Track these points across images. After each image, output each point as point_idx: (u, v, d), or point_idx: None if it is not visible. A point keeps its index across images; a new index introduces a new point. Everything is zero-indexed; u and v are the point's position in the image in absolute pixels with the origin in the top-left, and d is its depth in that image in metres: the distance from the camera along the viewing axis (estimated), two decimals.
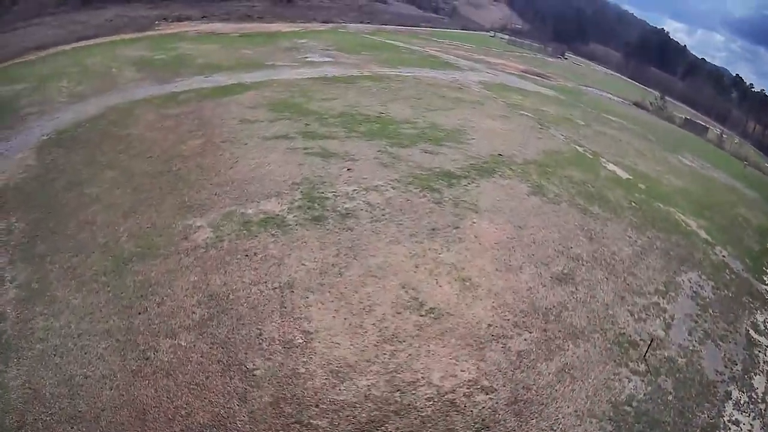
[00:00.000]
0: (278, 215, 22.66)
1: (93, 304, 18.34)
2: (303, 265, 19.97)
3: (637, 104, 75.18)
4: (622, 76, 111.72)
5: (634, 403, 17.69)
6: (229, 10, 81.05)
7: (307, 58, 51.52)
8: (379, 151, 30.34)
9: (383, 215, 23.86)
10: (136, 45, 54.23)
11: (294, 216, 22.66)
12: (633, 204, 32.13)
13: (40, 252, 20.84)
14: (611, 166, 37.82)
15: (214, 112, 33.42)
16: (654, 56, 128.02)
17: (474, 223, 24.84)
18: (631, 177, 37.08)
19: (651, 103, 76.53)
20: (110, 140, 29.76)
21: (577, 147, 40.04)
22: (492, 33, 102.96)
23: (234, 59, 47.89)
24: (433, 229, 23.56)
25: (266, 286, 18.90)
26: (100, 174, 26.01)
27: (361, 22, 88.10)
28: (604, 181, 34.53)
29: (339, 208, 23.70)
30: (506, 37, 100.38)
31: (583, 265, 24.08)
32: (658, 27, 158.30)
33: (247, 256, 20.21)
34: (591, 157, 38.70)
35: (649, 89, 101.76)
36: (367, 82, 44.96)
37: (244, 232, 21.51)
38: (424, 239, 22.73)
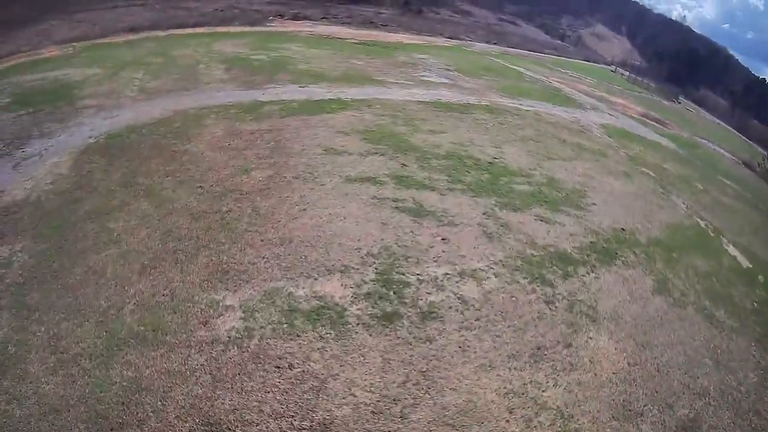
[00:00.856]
0: (337, 305, 17.54)
1: (64, 398, 14.25)
2: (352, 395, 14.70)
3: (745, 164, 67.16)
4: (728, 126, 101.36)
5: None
6: (353, 14, 78.33)
7: (422, 76, 46.70)
8: (485, 213, 24.95)
9: (477, 320, 18.36)
10: (238, 40, 51.83)
11: (358, 309, 17.45)
12: (755, 305, 25.82)
13: (32, 303, 17.25)
14: (732, 249, 31.43)
15: (296, 135, 29.14)
16: (756, 107, 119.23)
17: (590, 339, 19.14)
18: (751, 265, 30.38)
19: (759, 164, 68.65)
20: (163, 156, 26.04)
21: (699, 220, 33.85)
22: (613, 68, 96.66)
23: (340, 69, 43.78)
24: (539, 348, 17.97)
25: (292, 423, 13.73)
26: (134, 203, 22.14)
27: (488, 42, 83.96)
28: (727, 272, 28.19)
29: (421, 303, 18.32)
30: (626, 73, 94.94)
31: (710, 404, 18.24)
32: (760, 77, 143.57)
33: (278, 368, 15.17)
34: (712, 234, 32.50)
35: (751, 143, 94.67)
36: (483, 114, 39.61)
37: (285, 326, 16.52)
38: (527, 365, 17.14)
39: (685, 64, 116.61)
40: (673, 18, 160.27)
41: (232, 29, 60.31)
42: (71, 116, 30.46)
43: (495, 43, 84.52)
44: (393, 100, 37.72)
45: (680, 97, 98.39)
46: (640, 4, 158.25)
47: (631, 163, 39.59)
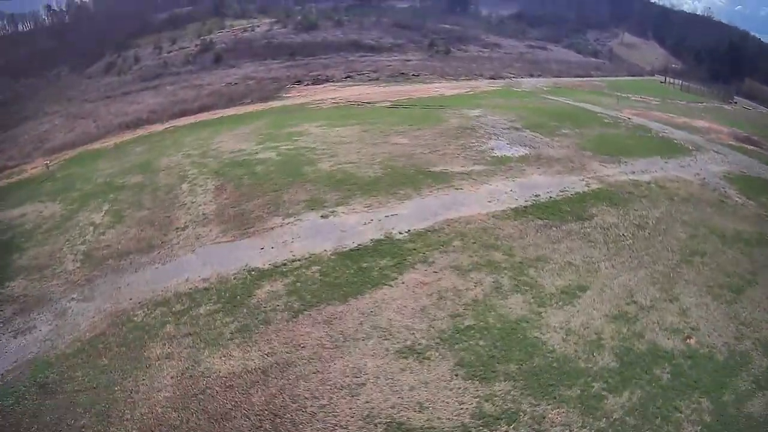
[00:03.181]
0: None
1: None
2: None
3: None
4: None
5: None
6: (378, 67, 61.52)
7: (492, 150, 29.51)
8: None
9: None
10: (245, 127, 36.67)
11: None
12: None
13: None
14: None
15: (319, 382, 12.76)
16: None
17: None
18: None
19: None
20: None
21: None
22: (662, 78, 77.67)
23: (379, 160, 27.15)
24: None
25: None
26: None
27: (532, 75, 65.99)
28: None
29: None
30: (675, 81, 74.45)
31: None
32: None
33: None
34: None
35: None
36: (606, 211, 22.55)
37: None
38: None
39: (723, 58, 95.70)
40: (685, 10, 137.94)
41: (241, 110, 44.38)
42: None
43: (539, 75, 66.60)
44: (473, 217, 20.64)
45: (735, 97, 78.48)
46: (659, 4, 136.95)
47: None
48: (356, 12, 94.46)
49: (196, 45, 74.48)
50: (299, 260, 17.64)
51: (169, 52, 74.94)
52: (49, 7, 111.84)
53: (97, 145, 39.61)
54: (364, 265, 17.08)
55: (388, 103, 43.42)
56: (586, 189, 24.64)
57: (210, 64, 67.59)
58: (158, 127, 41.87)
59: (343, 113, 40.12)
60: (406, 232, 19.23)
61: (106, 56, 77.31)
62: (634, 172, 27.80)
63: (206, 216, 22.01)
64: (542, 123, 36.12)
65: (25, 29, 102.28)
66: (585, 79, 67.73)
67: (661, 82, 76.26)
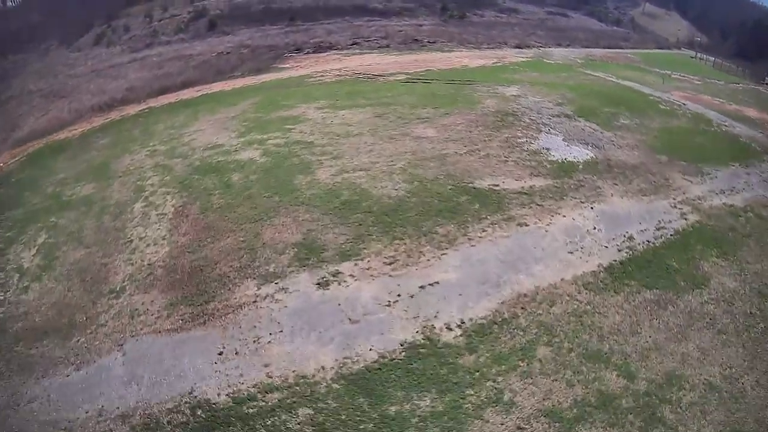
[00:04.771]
0: None
1: None
2: None
3: None
4: None
5: None
6: (388, 33, 52.33)
7: (549, 152, 21.65)
8: None
9: None
10: (229, 110, 28.84)
11: None
12: None
13: None
14: None
15: None
16: None
17: None
18: None
19: None
20: None
21: None
22: (693, 53, 68.69)
23: (400, 166, 19.59)
24: None
25: None
26: None
27: (559, 44, 56.46)
28: None
29: None
30: (707, 57, 65.20)
31: None
32: None
33: None
34: None
35: None
36: (718, 267, 15.26)
37: None
38: None
39: (750, 35, 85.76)
40: None
41: (229, 84, 36.02)
42: None
43: (568, 45, 57.38)
44: (556, 289, 12.80)
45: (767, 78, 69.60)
46: None
47: None
48: None
49: (189, 12, 65.40)
50: (278, 389, 9.87)
51: (160, 21, 66.04)
52: None
53: (64, 134, 31.72)
54: (392, 410, 9.29)
55: (403, 77, 34.84)
56: (684, 224, 16.92)
57: (204, 31, 58.96)
58: (133, 108, 33.92)
59: (350, 89, 31.65)
60: (457, 326, 11.35)
61: (95, 27, 68.69)
62: (723, 192, 20.61)
63: (152, 269, 14.20)
64: (594, 108, 27.92)
65: (13, 4, 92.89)
66: (615, 50, 58.64)
67: (692, 57, 67.42)
